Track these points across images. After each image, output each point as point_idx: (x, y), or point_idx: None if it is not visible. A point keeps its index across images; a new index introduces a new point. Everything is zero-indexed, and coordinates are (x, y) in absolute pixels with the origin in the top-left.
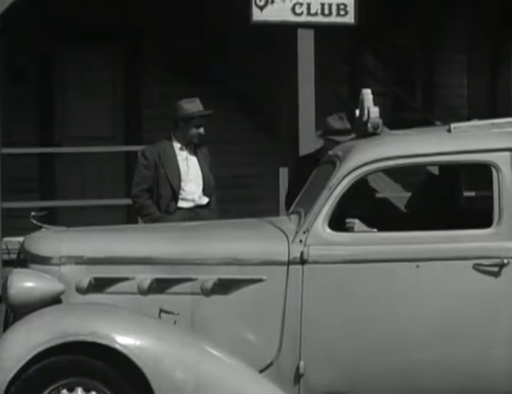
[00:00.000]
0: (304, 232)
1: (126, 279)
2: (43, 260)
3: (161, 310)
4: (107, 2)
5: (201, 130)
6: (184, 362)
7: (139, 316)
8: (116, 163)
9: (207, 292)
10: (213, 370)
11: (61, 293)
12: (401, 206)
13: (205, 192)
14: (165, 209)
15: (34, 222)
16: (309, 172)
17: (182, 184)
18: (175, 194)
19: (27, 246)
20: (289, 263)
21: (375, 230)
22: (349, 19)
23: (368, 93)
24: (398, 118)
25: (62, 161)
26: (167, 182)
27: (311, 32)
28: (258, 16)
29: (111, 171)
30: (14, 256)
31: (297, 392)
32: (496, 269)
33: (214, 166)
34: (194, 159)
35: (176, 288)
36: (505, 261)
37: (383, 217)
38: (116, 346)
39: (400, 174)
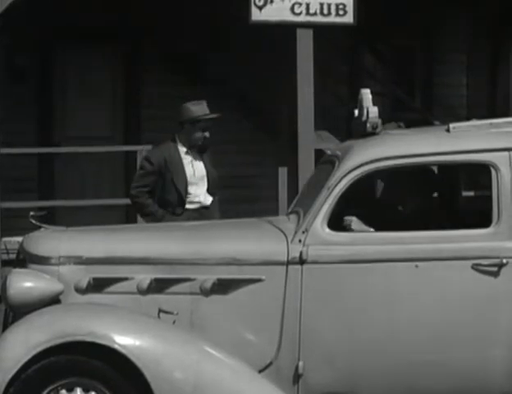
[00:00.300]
0: (303, 232)
1: (125, 279)
2: (42, 260)
3: (160, 310)
4: (106, 2)
5: (207, 133)
6: (183, 362)
7: (139, 316)
8: (115, 163)
9: (206, 292)
10: (213, 370)
11: (61, 293)
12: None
13: (209, 191)
14: (171, 213)
15: (33, 221)
16: None
17: (188, 188)
18: (181, 199)
19: (26, 246)
20: (288, 263)
21: (373, 229)
22: (349, 19)
23: (367, 93)
24: (397, 118)
25: (61, 161)
26: (174, 188)
27: (310, 32)
28: (257, 15)
29: (110, 171)
30: (13, 256)
31: (296, 392)
32: (494, 269)
33: (216, 165)
34: (199, 161)
35: (175, 288)
36: (504, 261)
37: (382, 217)
38: (116, 346)
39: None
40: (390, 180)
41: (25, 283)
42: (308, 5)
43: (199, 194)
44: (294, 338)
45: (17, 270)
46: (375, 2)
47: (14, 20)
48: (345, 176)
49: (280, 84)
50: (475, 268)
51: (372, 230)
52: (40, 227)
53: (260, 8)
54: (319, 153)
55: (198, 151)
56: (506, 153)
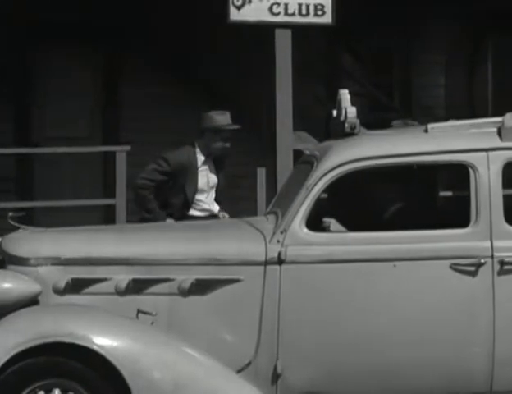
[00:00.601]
0: (282, 232)
1: (104, 280)
2: (21, 261)
3: (138, 311)
4: (86, 2)
5: (227, 144)
6: (161, 362)
7: (117, 317)
8: (94, 164)
9: (184, 292)
10: (191, 371)
11: (39, 294)
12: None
13: (216, 199)
14: (177, 217)
15: (12, 222)
16: None
17: (199, 195)
18: (186, 205)
19: (4, 247)
20: (266, 263)
21: (352, 230)
22: (327, 19)
23: (345, 94)
24: (375, 118)
25: (40, 161)
26: (182, 193)
27: (288, 32)
28: (235, 15)
29: (88, 171)
30: None
31: (275, 392)
32: (473, 269)
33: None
34: (213, 170)
35: (153, 288)
36: (482, 261)
37: (360, 217)
38: (94, 347)
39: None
40: (368, 180)
41: (4, 284)
42: (286, 5)
43: (209, 202)
44: (272, 338)
45: None
46: (353, 3)
47: None
48: (323, 176)
49: (259, 84)
50: (453, 267)
51: (350, 230)
52: (19, 228)
53: (238, 8)
54: (298, 154)
55: (213, 160)
56: (484, 154)
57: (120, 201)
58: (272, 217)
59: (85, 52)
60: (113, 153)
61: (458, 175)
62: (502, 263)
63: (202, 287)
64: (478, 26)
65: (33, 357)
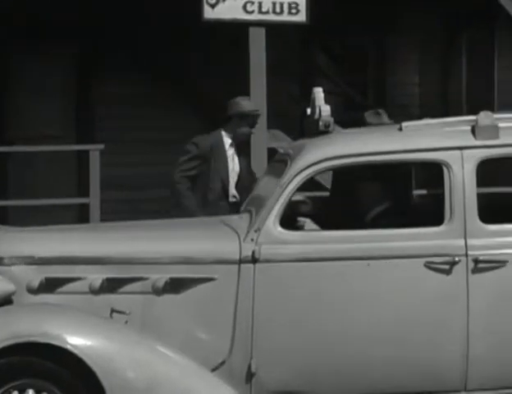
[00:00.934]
0: (256, 231)
1: (78, 279)
2: None
3: (112, 310)
4: (60, 1)
5: (253, 129)
6: (135, 362)
7: (91, 316)
8: (68, 163)
9: (158, 291)
10: (165, 370)
11: (13, 293)
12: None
13: (237, 189)
14: (214, 203)
15: None
16: None
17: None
18: (225, 189)
19: None
20: (240, 261)
21: (326, 228)
22: (301, 17)
23: (319, 92)
24: (350, 117)
25: (14, 160)
26: (218, 176)
27: (262, 30)
28: (209, 13)
29: (62, 170)
30: None
31: (249, 391)
32: (447, 267)
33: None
34: (237, 157)
35: (127, 288)
36: (456, 259)
37: (334, 216)
38: (68, 347)
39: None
40: (342, 178)
41: None
42: (260, 3)
43: (232, 189)
44: (246, 337)
45: None
46: (328, 1)
47: None
48: (297, 174)
49: (233, 82)
50: (428, 265)
51: (324, 229)
52: None
53: (212, 6)
54: (272, 152)
55: (236, 147)
56: (458, 152)
57: (94, 200)
58: (246, 216)
59: (60, 51)
60: (87, 152)
61: (432, 173)
62: (476, 261)
63: (176, 286)
64: (452, 24)
65: (6, 357)
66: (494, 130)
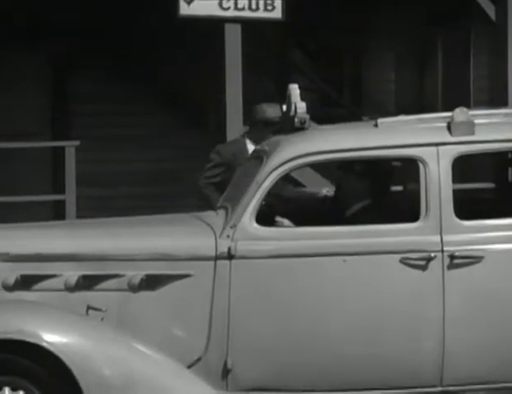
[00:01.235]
0: (232, 227)
1: (53, 276)
2: None
3: (88, 307)
4: (34, 2)
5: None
6: (111, 359)
7: (67, 313)
8: (44, 160)
9: (134, 288)
10: (141, 367)
11: None
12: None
13: None
14: None
15: None
16: None
17: None
18: None
19: None
20: (216, 258)
21: (302, 225)
22: (277, 14)
23: (295, 89)
24: (325, 113)
25: None
26: None
27: (238, 27)
28: (185, 10)
29: (38, 167)
30: None
31: (225, 388)
32: (423, 263)
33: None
34: None
35: (103, 284)
36: (432, 255)
37: (310, 212)
38: (44, 344)
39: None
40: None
41: None
42: (236, 0)
43: None
44: (222, 333)
45: None
46: None
47: None
48: (273, 171)
49: (209, 79)
50: (403, 261)
51: (297, 225)
52: None
53: (188, 3)
54: None
55: None
56: (434, 148)
57: (70, 197)
58: (222, 212)
59: (35, 49)
60: (62, 149)
61: (408, 169)
62: (452, 257)
63: (152, 283)
64: (428, 21)
65: None
66: (469, 127)
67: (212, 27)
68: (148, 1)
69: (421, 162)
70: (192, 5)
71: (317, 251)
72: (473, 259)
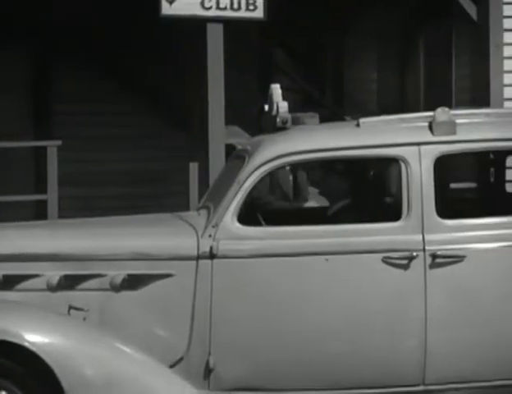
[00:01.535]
0: (214, 227)
1: (35, 276)
2: None
3: (70, 307)
4: (14, 2)
5: None
6: (94, 359)
7: (49, 313)
8: (25, 159)
9: (116, 288)
10: (123, 366)
11: None
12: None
13: None
14: None
15: None
16: None
17: None
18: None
19: None
20: (198, 257)
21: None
22: (259, 14)
23: (276, 88)
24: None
25: None
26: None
27: (220, 27)
28: (167, 9)
29: (19, 167)
30: None
31: (207, 387)
32: (405, 262)
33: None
34: None
35: (85, 284)
36: (414, 254)
37: (293, 211)
38: (26, 344)
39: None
40: (301, 174)
41: None
42: (218, 0)
43: None
44: (204, 333)
45: None
46: None
47: None
48: (254, 170)
49: (191, 79)
50: (385, 261)
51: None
52: None
53: (170, 2)
54: (230, 148)
55: None
56: (416, 148)
57: (52, 197)
58: (204, 212)
59: (17, 48)
60: (44, 149)
61: (390, 169)
62: (434, 256)
63: (134, 283)
64: (410, 20)
65: None
66: (451, 126)
67: (195, 27)
68: (131, 0)
69: (403, 161)
70: (174, 4)
71: (299, 250)
72: (455, 258)
